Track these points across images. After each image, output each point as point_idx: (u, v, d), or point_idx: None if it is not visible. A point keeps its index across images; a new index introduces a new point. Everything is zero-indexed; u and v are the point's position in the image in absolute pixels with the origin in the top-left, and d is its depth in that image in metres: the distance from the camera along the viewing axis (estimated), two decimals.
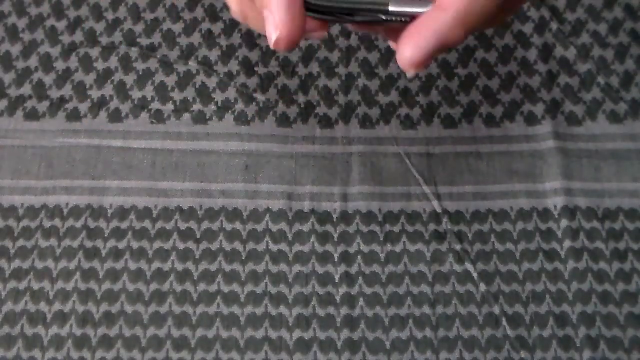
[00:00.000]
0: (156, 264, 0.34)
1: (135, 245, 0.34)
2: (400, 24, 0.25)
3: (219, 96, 0.38)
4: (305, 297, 0.33)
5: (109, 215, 0.35)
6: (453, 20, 0.24)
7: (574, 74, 0.39)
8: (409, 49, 0.24)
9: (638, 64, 0.39)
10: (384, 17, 0.25)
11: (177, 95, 0.38)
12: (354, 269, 0.34)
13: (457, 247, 0.35)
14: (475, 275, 0.34)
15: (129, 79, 0.39)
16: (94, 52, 0.39)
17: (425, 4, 0.24)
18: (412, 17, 0.24)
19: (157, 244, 0.35)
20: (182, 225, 0.35)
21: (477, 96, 0.38)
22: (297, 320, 0.33)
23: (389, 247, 0.35)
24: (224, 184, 0.36)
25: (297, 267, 0.34)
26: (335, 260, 0.34)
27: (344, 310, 0.33)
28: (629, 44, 0.39)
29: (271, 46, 0.24)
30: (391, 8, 0.25)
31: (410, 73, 0.25)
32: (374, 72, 0.39)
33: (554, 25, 0.40)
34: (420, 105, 0.38)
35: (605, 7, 0.40)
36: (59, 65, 0.39)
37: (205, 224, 0.35)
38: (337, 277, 0.34)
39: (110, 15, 0.40)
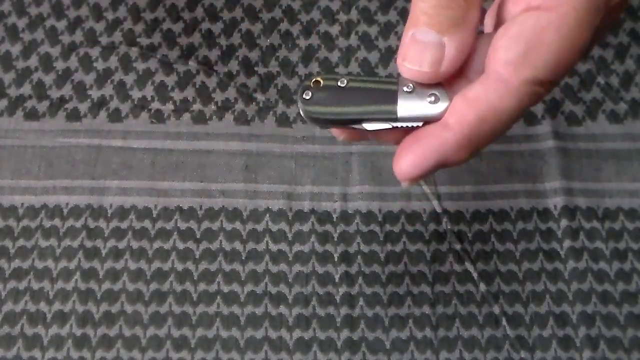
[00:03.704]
0: (156, 264, 0.34)
1: (135, 245, 0.34)
2: (408, 129, 0.23)
3: (219, 96, 0.38)
4: (305, 297, 0.33)
5: (109, 215, 0.35)
6: (456, 142, 0.22)
7: (574, 74, 0.39)
8: (406, 164, 0.22)
9: (638, 64, 0.39)
10: (392, 125, 0.23)
11: (177, 95, 0.38)
12: (354, 269, 0.34)
13: (457, 247, 0.35)
14: (475, 275, 0.34)
15: (129, 79, 0.39)
16: (94, 52, 0.39)
17: (436, 105, 0.23)
18: (424, 121, 0.23)
19: (157, 244, 0.35)
20: (182, 225, 0.35)
21: None
22: (297, 320, 0.33)
23: (389, 247, 0.35)
24: (224, 184, 0.36)
25: (297, 267, 0.34)
26: (335, 260, 0.34)
27: (344, 310, 0.33)
28: (629, 44, 0.39)
29: None
30: (400, 114, 0.23)
31: (404, 185, 0.24)
32: (374, 72, 0.39)
33: None
34: None
35: None
36: (59, 65, 0.39)
37: (205, 224, 0.35)
38: (337, 277, 0.34)
39: (110, 15, 0.40)
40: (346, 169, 0.36)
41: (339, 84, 0.24)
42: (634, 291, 0.33)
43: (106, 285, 0.34)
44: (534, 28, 0.21)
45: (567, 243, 0.34)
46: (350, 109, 0.23)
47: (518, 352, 0.32)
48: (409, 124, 0.23)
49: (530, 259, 0.34)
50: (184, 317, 0.33)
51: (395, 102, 0.23)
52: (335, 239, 0.35)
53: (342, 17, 0.40)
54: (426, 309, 0.33)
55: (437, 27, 0.22)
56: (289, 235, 0.35)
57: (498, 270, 0.34)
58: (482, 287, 0.34)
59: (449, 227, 0.35)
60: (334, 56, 0.39)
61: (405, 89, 0.23)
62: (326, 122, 0.24)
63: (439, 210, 0.35)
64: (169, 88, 0.38)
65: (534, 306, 0.33)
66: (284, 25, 0.40)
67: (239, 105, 0.38)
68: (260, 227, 0.35)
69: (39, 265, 0.34)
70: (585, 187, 0.36)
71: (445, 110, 0.22)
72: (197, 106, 0.38)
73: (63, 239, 0.35)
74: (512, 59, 0.21)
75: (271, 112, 0.38)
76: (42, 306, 0.33)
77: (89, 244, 0.34)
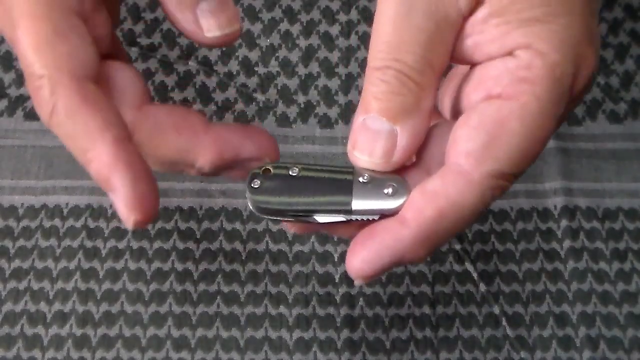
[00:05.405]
0: (156, 264, 0.34)
1: (135, 245, 0.34)
2: (364, 222, 0.21)
3: (219, 96, 0.38)
4: (305, 297, 0.33)
5: (109, 215, 0.35)
6: (413, 239, 0.20)
7: None
8: (359, 261, 0.21)
9: (638, 64, 0.39)
10: (346, 218, 0.21)
11: (177, 95, 0.38)
12: None
13: (457, 247, 0.35)
14: (475, 275, 0.34)
15: None
16: None
17: (393, 198, 0.21)
18: (381, 215, 0.21)
19: (157, 244, 0.35)
20: (182, 225, 0.35)
21: None
22: (297, 320, 0.33)
23: None
24: (224, 184, 0.36)
25: (297, 267, 0.34)
26: (335, 260, 0.34)
27: (344, 310, 0.33)
28: (629, 44, 0.39)
29: (129, 227, 0.21)
30: (355, 207, 0.21)
31: (357, 282, 0.22)
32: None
33: None
34: None
35: (605, 7, 0.40)
36: None
37: (205, 224, 0.35)
38: (337, 277, 0.34)
39: None
40: None
41: (290, 172, 0.22)
42: (634, 291, 0.33)
43: (106, 285, 0.34)
44: (496, 118, 0.20)
45: (567, 243, 0.34)
46: (300, 200, 0.22)
47: (518, 352, 0.32)
48: (364, 217, 0.21)
49: (530, 259, 0.34)
50: (184, 317, 0.33)
51: (350, 193, 0.21)
52: (335, 239, 0.35)
53: (342, 17, 0.40)
54: (426, 309, 0.33)
55: (388, 114, 0.21)
56: (289, 235, 0.35)
57: (498, 270, 0.34)
58: (482, 287, 0.34)
59: None
60: (334, 56, 0.39)
61: (360, 179, 0.21)
62: (275, 213, 0.22)
63: None
64: (169, 88, 0.38)
65: (534, 306, 0.33)
66: (284, 25, 0.40)
67: (239, 105, 0.38)
68: (260, 227, 0.35)
69: (39, 265, 0.34)
70: (585, 187, 0.36)
71: (403, 204, 0.21)
72: (197, 106, 0.38)
73: (63, 239, 0.35)
74: (473, 150, 0.20)
75: (271, 112, 0.38)
76: (42, 306, 0.33)
77: (89, 244, 0.34)
